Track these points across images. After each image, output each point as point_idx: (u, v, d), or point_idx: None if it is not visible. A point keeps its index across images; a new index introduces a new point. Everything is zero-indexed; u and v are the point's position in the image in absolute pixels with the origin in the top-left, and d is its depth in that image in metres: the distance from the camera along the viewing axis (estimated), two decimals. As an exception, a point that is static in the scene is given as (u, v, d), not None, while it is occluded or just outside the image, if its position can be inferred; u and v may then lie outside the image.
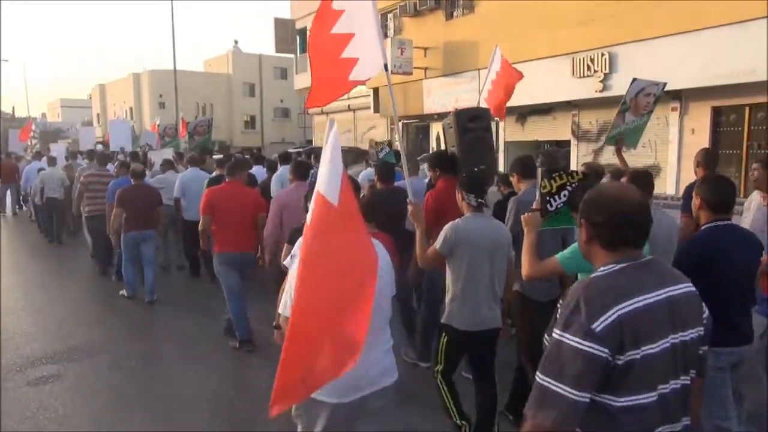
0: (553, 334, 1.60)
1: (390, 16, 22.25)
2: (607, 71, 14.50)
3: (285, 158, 8.39)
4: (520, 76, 7.61)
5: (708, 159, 4.97)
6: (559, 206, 3.35)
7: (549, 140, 18.00)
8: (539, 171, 3.57)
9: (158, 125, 16.37)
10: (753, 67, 11.44)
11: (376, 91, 23.73)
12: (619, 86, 14.29)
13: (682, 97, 13.62)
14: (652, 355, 1.57)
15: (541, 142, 18.29)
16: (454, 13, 19.67)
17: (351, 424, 2.51)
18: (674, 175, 13.38)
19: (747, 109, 12.63)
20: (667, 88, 14.34)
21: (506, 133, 19.11)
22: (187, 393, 4.68)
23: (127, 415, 4.33)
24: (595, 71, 14.77)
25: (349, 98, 27.37)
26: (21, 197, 16.56)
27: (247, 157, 11.03)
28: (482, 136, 5.36)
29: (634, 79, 6.20)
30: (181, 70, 36.66)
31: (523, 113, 18.17)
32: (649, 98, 6.19)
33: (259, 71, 46.56)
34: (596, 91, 14.89)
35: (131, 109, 48.48)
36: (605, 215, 1.68)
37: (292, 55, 32.20)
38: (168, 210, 7.78)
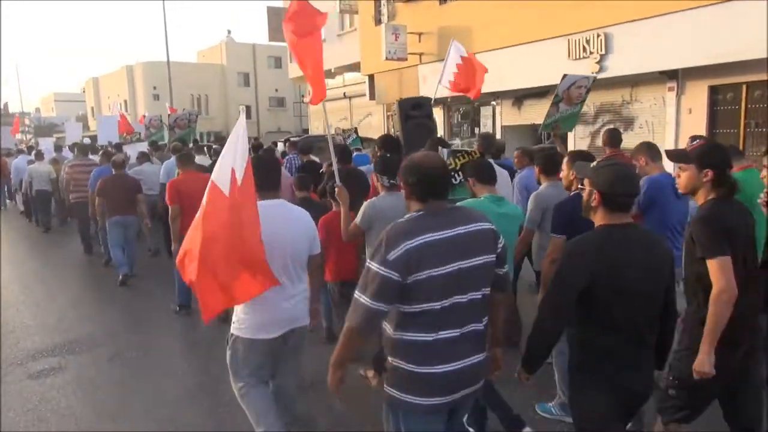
0: (367, 263, 2.24)
1: (383, 1, 22.08)
2: (603, 52, 14.41)
3: (257, 148, 9.00)
4: (484, 69, 8.74)
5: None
6: (460, 180, 4.00)
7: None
8: (445, 151, 4.23)
9: (145, 117, 16.47)
10: (750, 44, 11.37)
11: (371, 78, 23.59)
12: (616, 67, 14.23)
13: (679, 76, 13.55)
14: (435, 276, 2.15)
15: (538, 125, 18.25)
16: (448, -3, 19.52)
17: (276, 358, 3.23)
18: (672, 155, 13.35)
19: (744, 88, 12.58)
20: (663, 68, 14.37)
21: (503, 117, 19.05)
22: (188, 383, 4.68)
23: (128, 406, 4.33)
24: (591, 53, 14.68)
25: (344, 86, 27.26)
26: (10, 191, 16.76)
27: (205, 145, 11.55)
28: (423, 122, 5.99)
29: (565, 75, 6.99)
30: (175, 61, 36.42)
31: (519, 97, 18.10)
32: (580, 90, 6.96)
33: (253, 61, 46.27)
34: (592, 73, 14.79)
35: (125, 101, 48.21)
36: (413, 177, 2.29)
37: (285, 44, 32.03)
38: (149, 199, 8.28)
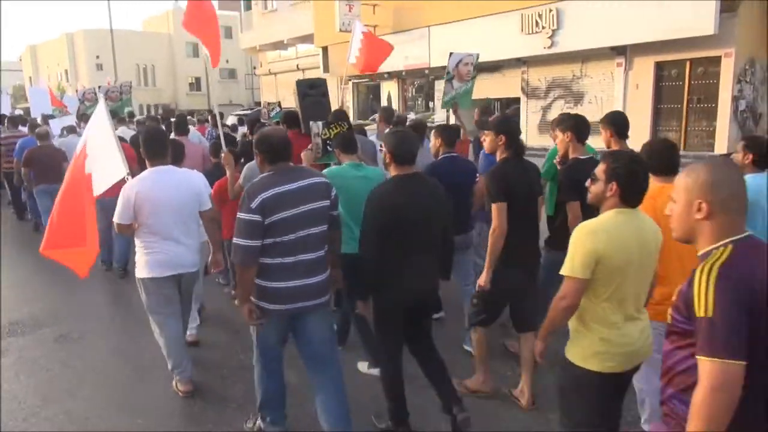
0: (238, 215, 2.93)
1: (337, -29, 21.62)
2: (555, 27, 14.59)
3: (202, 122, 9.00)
4: (389, 47, 9.13)
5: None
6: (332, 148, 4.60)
7: (499, 97, 18.10)
8: (320, 123, 4.93)
9: (78, 91, 16.05)
10: (694, 22, 11.72)
11: (325, 50, 23.19)
12: (567, 42, 14.44)
13: (627, 52, 13.87)
14: (285, 218, 2.91)
15: (492, 99, 18.38)
16: (403, -31, 19.28)
17: (173, 293, 3.93)
18: (619, 130, 13.72)
19: (688, 64, 12.99)
20: (612, 44, 14.65)
21: (457, 91, 19.10)
22: (140, 362, 4.58)
23: (76, 388, 4.20)
24: (543, 27, 14.84)
25: (298, 57, 26.73)
26: None
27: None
28: (319, 100, 6.60)
29: (451, 53, 7.43)
30: (119, 29, 34.90)
31: (474, 71, 18.15)
32: (468, 67, 7.37)
33: (202, 30, 44.76)
34: (544, 48, 14.99)
35: (66, 71, 46.00)
36: (264, 146, 3.03)
37: (236, 13, 31.03)
38: None
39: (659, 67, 13.55)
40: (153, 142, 3.87)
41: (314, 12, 22.81)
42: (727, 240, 1.68)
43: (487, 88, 18.12)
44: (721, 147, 12.45)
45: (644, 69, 13.70)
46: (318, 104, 6.70)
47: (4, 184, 10.46)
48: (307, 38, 24.03)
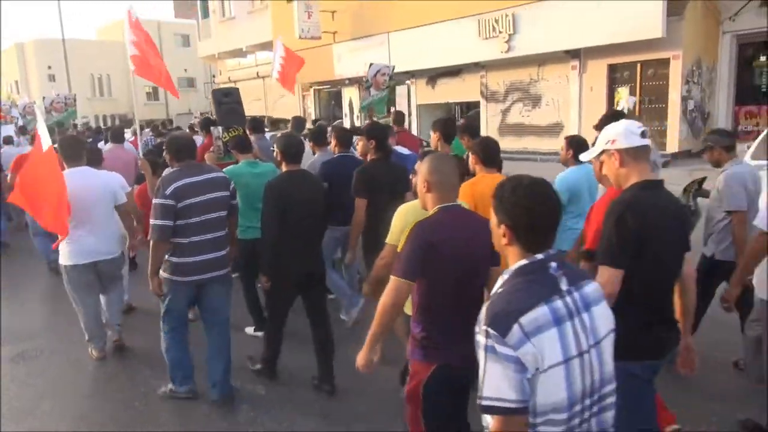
0: (154, 201, 3.57)
1: (294, -22, 21.59)
2: (511, 32, 14.88)
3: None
4: (302, 61, 10.08)
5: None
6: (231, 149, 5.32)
7: (459, 101, 18.37)
8: (220, 128, 5.93)
9: (19, 105, 16.24)
10: (644, 26, 12.13)
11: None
12: (523, 46, 14.75)
13: (581, 55, 14.24)
14: (193, 203, 3.57)
15: (452, 103, 18.63)
16: (360, -25, 19.38)
17: (93, 279, 4.54)
18: (576, 131, 14.08)
19: (639, 66, 13.43)
20: (566, 47, 15.01)
21: (417, 95, 19.28)
22: (100, 378, 4.49)
23: (37, 405, 4.09)
24: (500, 32, 15.12)
25: (257, 65, 26.53)
26: None
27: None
28: (233, 107, 7.49)
29: (371, 64, 8.44)
30: (72, 39, 34.01)
31: (433, 76, 18.37)
32: (384, 77, 8.31)
33: (158, 39, 43.96)
34: (502, 52, 15.27)
35: (16, 82, 44.57)
36: (171, 147, 3.79)
37: (193, 21, 30.66)
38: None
39: (612, 69, 13.96)
40: (68, 147, 4.58)
41: (273, 19, 22.73)
42: (437, 207, 2.47)
43: (447, 92, 18.37)
44: (672, 145, 12.90)
45: (598, 71, 14.10)
46: (233, 111, 7.80)
47: None
48: (267, 45, 23.88)
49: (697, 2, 12.45)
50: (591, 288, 1.69)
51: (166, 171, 4.40)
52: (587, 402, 1.61)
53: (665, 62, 12.78)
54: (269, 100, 25.95)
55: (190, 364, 3.98)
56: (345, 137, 5.12)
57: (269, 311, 4.19)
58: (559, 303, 1.58)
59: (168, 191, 3.53)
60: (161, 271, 3.70)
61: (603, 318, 1.67)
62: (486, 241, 2.00)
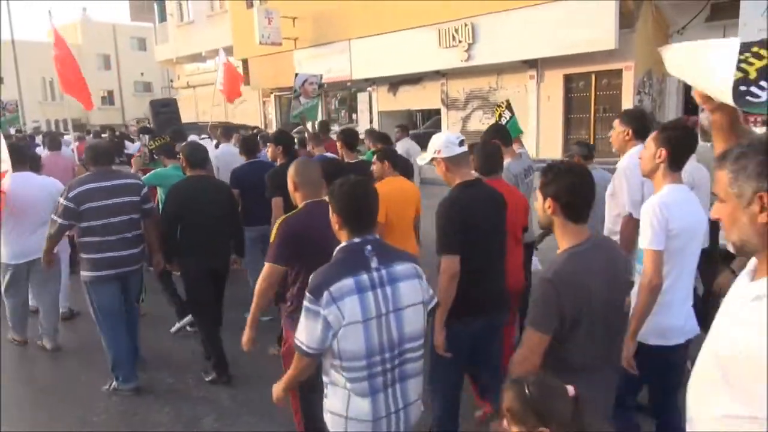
0: (59, 200, 3.96)
1: (255, -17, 21.46)
2: (471, 41, 15.13)
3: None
4: (241, 77, 11.08)
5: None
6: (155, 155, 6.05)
7: (420, 109, 18.56)
8: (147, 137, 6.42)
9: None
10: (598, 37, 12.53)
11: (245, 62, 22.88)
12: (483, 56, 15.02)
13: (538, 65, 14.59)
14: (95, 206, 3.89)
15: (413, 111, 18.80)
16: (321, -18, 19.39)
17: (26, 277, 4.90)
18: (534, 139, 14.42)
19: (593, 77, 13.85)
20: (524, 57, 15.31)
21: (379, 102, 19.39)
22: (59, 393, 4.36)
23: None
24: (460, 41, 15.36)
25: (216, 70, 26.15)
26: None
27: None
28: (171, 117, 8.34)
29: (297, 74, 8.75)
30: (22, 40, 32.83)
31: (395, 83, 18.50)
32: (313, 86, 8.69)
33: (114, 42, 42.97)
34: (462, 61, 15.51)
35: (-38, 85, 42.76)
36: (88, 154, 4.17)
37: (150, 24, 30.06)
38: None
39: (568, 79, 14.35)
40: (13, 153, 4.83)
41: (233, 24, 22.50)
42: (305, 202, 2.91)
43: (408, 99, 18.53)
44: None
45: (554, 81, 14.47)
46: (169, 121, 8.46)
47: None
48: (227, 50, 23.59)
49: (648, 16, 12.94)
50: (401, 267, 2.12)
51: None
52: (387, 355, 2.06)
53: (618, 73, 13.22)
54: (229, 105, 25.61)
55: (132, 359, 4.24)
56: (250, 146, 5.67)
57: (193, 307, 4.53)
58: (364, 277, 2.03)
59: (71, 195, 3.90)
60: (82, 271, 4.08)
61: (408, 291, 2.10)
62: None
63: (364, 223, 2.13)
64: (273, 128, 21.32)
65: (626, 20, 12.43)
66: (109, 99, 44.03)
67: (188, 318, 5.18)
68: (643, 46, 12.82)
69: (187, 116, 26.12)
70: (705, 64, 1.59)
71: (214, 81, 26.77)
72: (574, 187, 2.06)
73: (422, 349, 2.18)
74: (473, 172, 3.42)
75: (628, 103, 13.08)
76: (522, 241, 3.72)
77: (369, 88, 19.35)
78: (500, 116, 5.76)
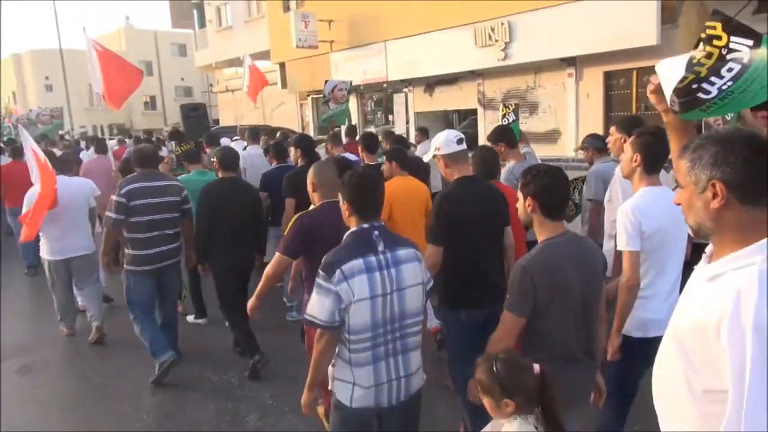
0: (111, 197, 4.41)
1: (291, -13, 21.72)
2: (508, 40, 14.97)
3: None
4: (266, 81, 11.39)
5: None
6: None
7: (457, 109, 18.46)
8: (173, 143, 6.62)
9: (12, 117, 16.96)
10: (639, 33, 12.24)
11: (282, 66, 23.19)
12: (520, 54, 14.85)
13: (577, 63, 14.34)
14: (144, 203, 4.42)
15: (449, 111, 18.72)
16: (357, -15, 19.49)
17: (68, 273, 5.41)
18: (573, 138, 14.17)
19: (635, 73, 13.53)
20: (562, 55, 15.13)
21: (415, 103, 19.37)
22: (109, 391, 4.51)
23: (42, 420, 4.12)
24: (496, 40, 15.21)
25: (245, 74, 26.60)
26: None
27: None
28: (200, 121, 8.77)
29: (327, 81, 9.05)
30: (69, 49, 34.03)
31: (431, 83, 18.46)
32: (342, 92, 9.04)
33: (155, 48, 44.14)
34: (498, 60, 15.36)
35: (14, 93, 44.64)
36: (135, 156, 4.77)
37: (190, 31, 30.76)
38: None
39: (608, 76, 14.05)
40: (56, 160, 5.51)
41: (270, 28, 22.83)
42: (321, 201, 3.17)
43: (444, 100, 18.45)
44: (669, 151, 12.96)
45: (594, 79, 14.20)
46: (199, 124, 8.99)
47: None
48: (264, 54, 23.99)
49: (691, 10, 12.57)
50: (404, 252, 2.38)
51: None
52: (389, 327, 2.31)
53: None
54: (267, 108, 26.02)
55: (163, 340, 4.62)
56: (280, 151, 6.06)
57: (221, 299, 4.87)
58: (372, 259, 2.28)
59: (122, 191, 4.33)
60: (126, 264, 4.52)
61: (410, 273, 2.37)
62: None
63: (371, 210, 2.39)
64: (310, 131, 21.55)
65: (668, 15, 12.11)
66: (151, 104, 45.24)
67: (194, 318, 5.82)
68: (686, 42, 12.44)
69: (226, 120, 26.71)
70: (669, 74, 1.81)
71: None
72: (550, 188, 2.28)
73: (420, 324, 2.44)
74: None
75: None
76: (525, 240, 3.87)
77: (405, 89, 19.36)
78: (504, 116, 5.92)
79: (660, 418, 1.54)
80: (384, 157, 4.71)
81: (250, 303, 3.37)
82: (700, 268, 1.47)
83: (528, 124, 16.07)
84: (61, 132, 13.89)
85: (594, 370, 2.45)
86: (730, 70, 1.61)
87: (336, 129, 8.71)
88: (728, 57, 1.64)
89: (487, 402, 1.88)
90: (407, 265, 2.35)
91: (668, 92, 1.78)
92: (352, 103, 22.14)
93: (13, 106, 42.54)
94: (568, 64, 14.49)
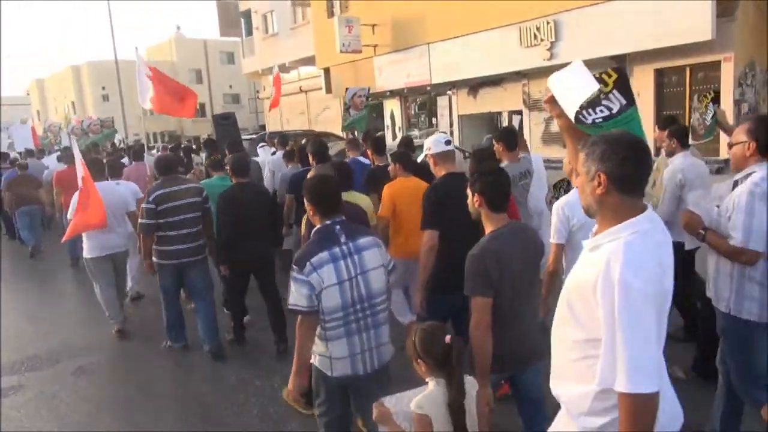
0: (142, 205, 4.93)
1: (335, -6, 21.92)
2: (554, 39, 14.69)
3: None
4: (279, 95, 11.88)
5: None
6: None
7: (501, 110, 18.20)
8: (203, 155, 7.00)
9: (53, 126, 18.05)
10: (691, 28, 11.78)
11: (327, 71, 23.43)
12: (566, 54, 14.52)
13: (626, 61, 13.92)
14: (171, 206, 4.91)
15: (494, 113, 18.49)
16: (400, -12, 19.50)
17: (110, 268, 5.82)
18: (623, 138, 13.72)
19: (688, 70, 13.03)
20: (610, 53, 14.70)
21: (459, 106, 19.22)
22: (157, 392, 4.63)
23: (95, 420, 4.26)
24: (542, 40, 14.94)
25: (300, 80, 26.99)
26: None
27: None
28: (230, 129, 9.01)
29: (347, 89, 9.46)
30: (123, 60, 35.35)
31: (474, 85, 18.28)
32: (361, 99, 9.46)
33: (205, 57, 45.40)
34: (544, 60, 15.07)
35: (73, 103, 46.71)
36: (158, 164, 5.27)
37: (237, 39, 31.45)
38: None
39: (659, 74, 13.60)
40: (95, 166, 5.90)
41: (315, 34, 23.11)
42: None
43: (488, 101, 18.24)
44: (726, 151, 12.43)
45: (644, 76, 13.75)
46: (228, 132, 9.32)
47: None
48: (309, 60, 24.31)
49: (749, 2, 12.02)
50: (364, 240, 2.73)
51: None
52: (358, 306, 2.67)
53: (716, 65, 12.35)
54: (312, 113, 26.35)
55: (182, 325, 5.35)
56: (322, 152, 6.05)
57: (228, 291, 5.51)
58: (336, 250, 2.64)
59: (151, 198, 4.85)
60: (154, 258, 5.03)
61: (371, 258, 2.72)
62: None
63: (331, 209, 2.74)
64: (355, 134, 21.66)
65: (724, 8, 11.61)
66: (201, 111, 46.46)
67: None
68: (744, 36, 11.93)
69: (273, 125, 27.17)
70: (566, 85, 2.12)
71: (297, 91, 27.74)
72: (494, 185, 2.64)
73: (387, 302, 2.81)
74: None
75: (728, 97, 12.19)
76: None
77: (449, 92, 19.23)
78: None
79: (552, 357, 1.87)
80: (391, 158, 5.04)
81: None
82: (587, 241, 1.78)
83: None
84: (117, 139, 14.72)
85: (538, 325, 2.92)
86: (602, 111, 2.08)
87: (353, 135, 9.27)
88: (603, 101, 2.11)
89: (413, 362, 2.30)
90: (368, 251, 2.71)
91: (563, 102, 2.07)
92: (395, 107, 22.17)
93: (72, 115, 44.54)
94: (617, 62, 14.05)
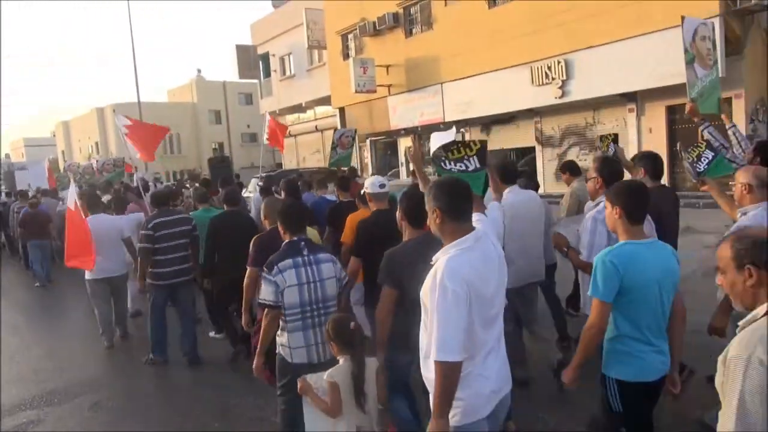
0: (141, 231, 5.95)
1: (350, 36, 22.53)
2: (565, 78, 14.91)
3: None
4: (284, 129, 13.07)
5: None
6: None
7: (514, 147, 18.37)
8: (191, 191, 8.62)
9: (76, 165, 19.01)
10: (701, 65, 11.90)
11: (342, 110, 23.90)
12: (578, 91, 14.74)
13: (638, 98, 14.07)
14: (164, 233, 5.79)
15: (507, 150, 18.65)
16: (413, 30, 20.03)
17: (109, 289, 6.65)
18: (636, 173, 13.76)
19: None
20: (621, 91, 14.88)
21: (472, 143, 19.40)
22: (172, 426, 4.67)
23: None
24: (553, 78, 15.18)
25: (316, 119, 27.53)
26: None
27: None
28: (226, 171, 10.57)
29: (335, 129, 10.46)
30: (146, 101, 36.41)
31: (487, 123, 18.51)
32: (348, 138, 10.26)
33: (224, 98, 46.45)
34: (555, 98, 15.29)
35: (97, 144, 47.89)
36: (153, 199, 6.72)
37: (255, 81, 32.26)
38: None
39: (671, 110, 13.69)
40: (91, 199, 6.92)
41: (330, 75, 23.67)
42: (271, 227, 4.61)
43: (501, 139, 18.43)
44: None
45: (656, 113, 13.86)
46: (225, 173, 10.82)
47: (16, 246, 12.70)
48: (325, 100, 24.84)
49: (757, 41, 12.17)
50: (322, 255, 3.38)
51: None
52: (314, 306, 3.30)
53: (727, 102, 12.43)
54: (327, 151, 26.66)
55: (165, 342, 5.94)
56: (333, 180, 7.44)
57: (214, 306, 6.31)
58: (299, 259, 3.29)
59: (149, 226, 5.70)
60: (148, 279, 5.78)
61: (327, 270, 3.36)
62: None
63: (297, 227, 3.44)
64: (368, 172, 21.93)
65: (733, 47, 11.76)
66: (219, 150, 47.36)
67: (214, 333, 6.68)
68: (753, 73, 12.05)
69: (289, 163, 27.60)
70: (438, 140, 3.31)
71: (313, 129, 28.16)
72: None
73: (337, 306, 3.42)
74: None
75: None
76: None
77: (462, 129, 19.49)
78: (607, 147, 5.95)
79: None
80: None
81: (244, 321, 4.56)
82: (436, 256, 2.31)
83: (588, 160, 15.76)
84: (123, 180, 15.36)
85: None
86: (461, 166, 3.25)
87: (343, 171, 9.96)
88: (464, 160, 3.27)
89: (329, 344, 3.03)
90: (325, 264, 3.36)
91: (434, 147, 2.93)
92: (410, 144, 22.44)
93: (95, 156, 45.65)
94: (628, 99, 14.23)
